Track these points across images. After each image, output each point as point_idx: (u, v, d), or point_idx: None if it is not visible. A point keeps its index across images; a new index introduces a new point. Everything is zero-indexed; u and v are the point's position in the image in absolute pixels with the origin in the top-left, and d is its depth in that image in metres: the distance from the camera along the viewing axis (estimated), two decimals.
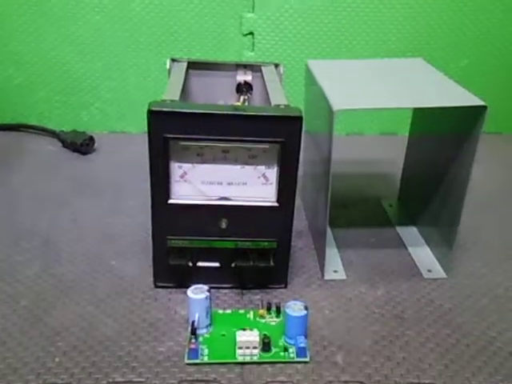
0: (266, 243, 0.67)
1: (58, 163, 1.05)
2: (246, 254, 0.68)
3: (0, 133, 1.16)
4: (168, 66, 0.77)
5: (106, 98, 1.18)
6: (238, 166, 0.64)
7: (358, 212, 0.92)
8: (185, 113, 0.59)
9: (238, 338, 0.59)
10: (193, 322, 0.61)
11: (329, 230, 0.77)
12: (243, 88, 0.80)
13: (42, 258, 0.76)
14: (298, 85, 1.15)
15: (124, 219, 0.86)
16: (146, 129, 0.60)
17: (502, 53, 1.18)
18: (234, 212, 0.65)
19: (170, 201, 0.64)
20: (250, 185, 0.65)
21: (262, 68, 0.79)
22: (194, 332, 0.60)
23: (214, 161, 0.63)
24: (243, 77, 0.80)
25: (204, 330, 0.62)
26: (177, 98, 0.64)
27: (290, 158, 0.62)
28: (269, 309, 0.66)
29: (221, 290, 0.70)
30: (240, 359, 0.59)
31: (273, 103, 0.65)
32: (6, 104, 1.17)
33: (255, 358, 0.59)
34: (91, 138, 1.10)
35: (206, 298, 0.61)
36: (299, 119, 0.60)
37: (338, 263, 0.77)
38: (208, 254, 0.68)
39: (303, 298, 0.69)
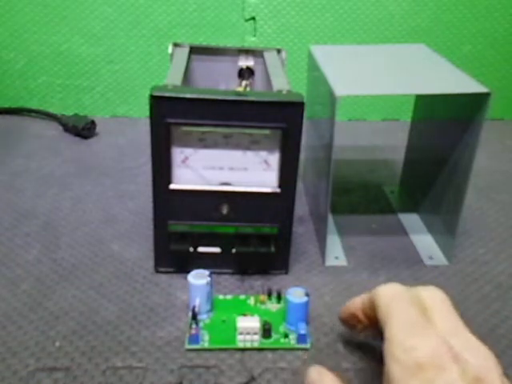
0: (267, 229, 0.67)
1: (59, 147, 1.04)
2: (247, 240, 0.68)
3: (1, 116, 1.16)
4: (170, 51, 0.77)
5: (108, 82, 1.17)
6: (240, 152, 0.63)
7: (360, 198, 0.91)
8: (187, 98, 0.59)
9: (239, 324, 0.59)
10: (193, 308, 0.60)
11: (330, 216, 0.77)
12: (245, 73, 0.79)
13: (41, 241, 0.76)
14: (300, 70, 1.14)
15: (125, 203, 0.86)
16: (147, 113, 0.59)
17: (506, 38, 1.18)
18: (235, 197, 0.65)
19: (172, 186, 0.64)
20: (251, 170, 0.64)
21: (264, 53, 0.79)
22: (194, 317, 0.60)
23: (215, 146, 0.63)
24: (245, 62, 0.80)
25: (205, 316, 0.62)
26: (179, 83, 0.64)
27: (292, 144, 0.62)
28: (269, 295, 0.66)
29: (221, 276, 0.70)
30: (240, 345, 0.59)
31: (275, 88, 0.64)
32: (8, 88, 1.17)
33: (256, 344, 0.59)
34: (93, 122, 1.09)
35: (207, 283, 0.61)
36: (301, 105, 0.60)
37: (339, 249, 0.77)
38: (209, 240, 0.68)
39: (304, 284, 0.69)
